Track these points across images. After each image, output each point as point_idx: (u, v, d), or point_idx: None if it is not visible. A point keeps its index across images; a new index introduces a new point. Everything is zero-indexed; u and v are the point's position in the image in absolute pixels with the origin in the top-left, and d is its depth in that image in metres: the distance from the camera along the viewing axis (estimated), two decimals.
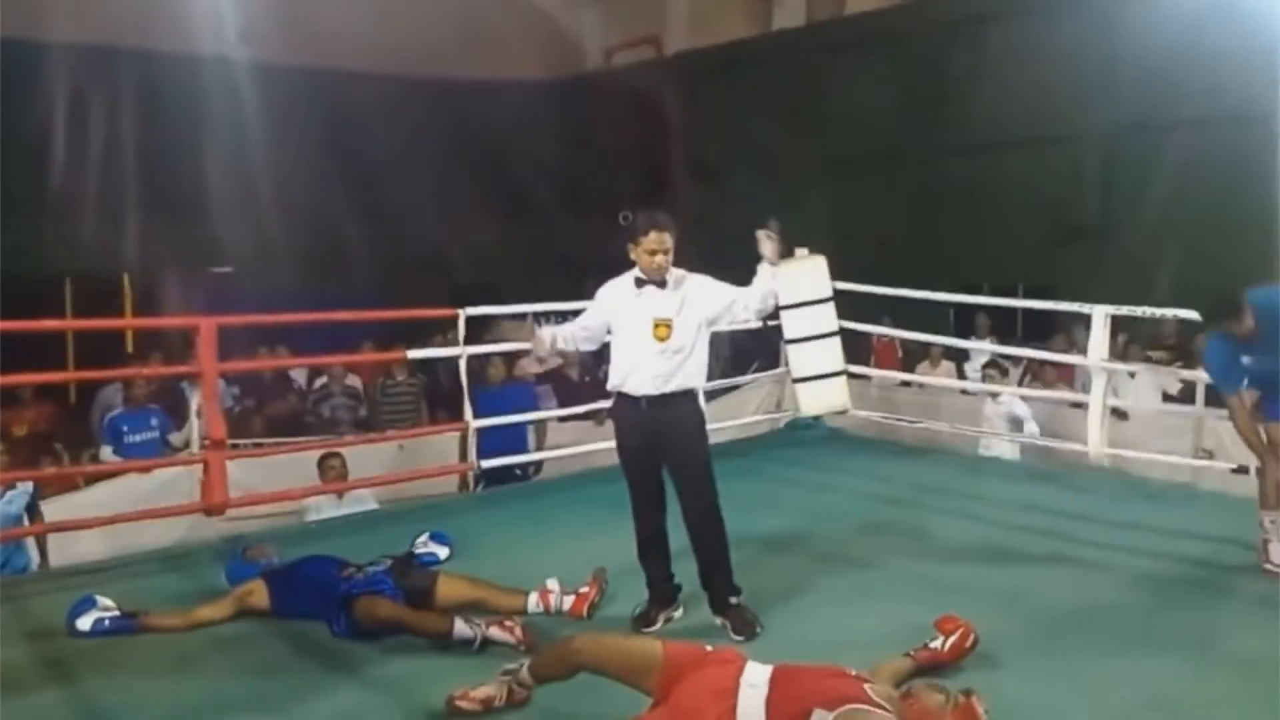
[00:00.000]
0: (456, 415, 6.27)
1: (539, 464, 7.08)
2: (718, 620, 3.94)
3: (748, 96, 13.79)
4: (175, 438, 7.53)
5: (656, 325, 3.87)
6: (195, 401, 6.95)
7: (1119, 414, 6.70)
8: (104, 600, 4.04)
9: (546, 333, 4.20)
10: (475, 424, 6.12)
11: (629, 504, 4.02)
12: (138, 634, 3.93)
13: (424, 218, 13.34)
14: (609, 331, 4.09)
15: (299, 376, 9.62)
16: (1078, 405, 7.36)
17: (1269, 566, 4.36)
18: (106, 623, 3.96)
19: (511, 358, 8.03)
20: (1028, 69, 11.21)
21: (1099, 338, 5.85)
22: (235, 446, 6.39)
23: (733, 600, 3.94)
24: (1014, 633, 3.74)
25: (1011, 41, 11.47)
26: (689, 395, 3.95)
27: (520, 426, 6.91)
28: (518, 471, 6.87)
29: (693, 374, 3.93)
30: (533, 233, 14.38)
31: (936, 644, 3.45)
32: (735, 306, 3.96)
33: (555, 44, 15.73)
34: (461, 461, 6.66)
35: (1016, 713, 3.02)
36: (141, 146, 11.66)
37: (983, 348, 8.23)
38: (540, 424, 7.33)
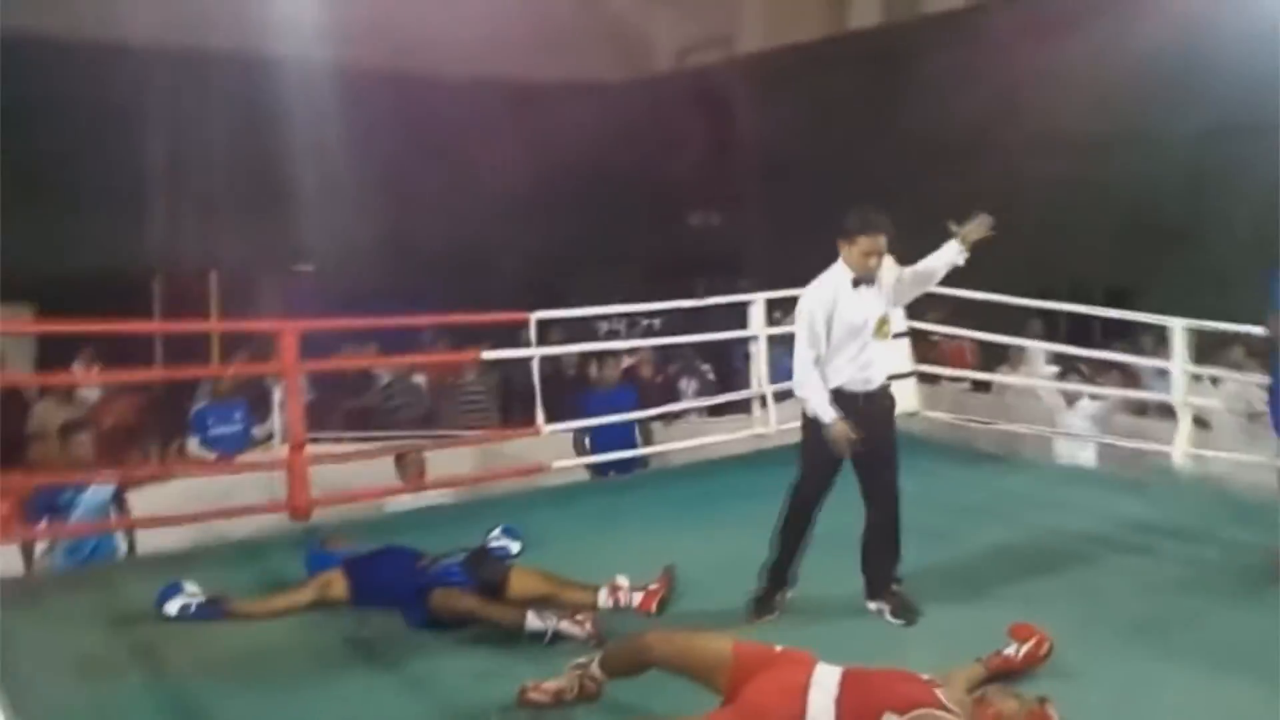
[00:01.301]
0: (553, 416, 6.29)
1: (645, 459, 7.14)
2: (873, 606, 4.01)
3: (823, 97, 13.68)
4: (259, 430, 7.74)
5: (881, 323, 4.02)
6: (278, 395, 7.13)
7: (1200, 423, 6.53)
8: (190, 586, 4.19)
9: (829, 415, 3.97)
10: (548, 429, 6.18)
11: (791, 492, 4.08)
12: (221, 619, 4.07)
13: (493, 217, 13.52)
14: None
15: (383, 373, 9.80)
16: (1142, 413, 7.24)
17: None
18: (192, 608, 4.10)
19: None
20: (1112, 68, 10.95)
21: (1179, 349, 5.81)
22: (315, 440, 6.53)
23: (895, 587, 4.02)
24: (1090, 643, 3.67)
25: (1095, 40, 11.20)
26: (890, 387, 4.14)
27: (629, 425, 7.01)
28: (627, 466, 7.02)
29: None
30: (600, 234, 14.46)
31: (1010, 650, 3.42)
32: None
33: (628, 45, 15.78)
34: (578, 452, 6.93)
35: None
36: (229, 147, 12.00)
37: (1053, 349, 8.02)
38: (645, 423, 7.29)
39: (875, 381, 4.03)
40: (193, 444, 7.47)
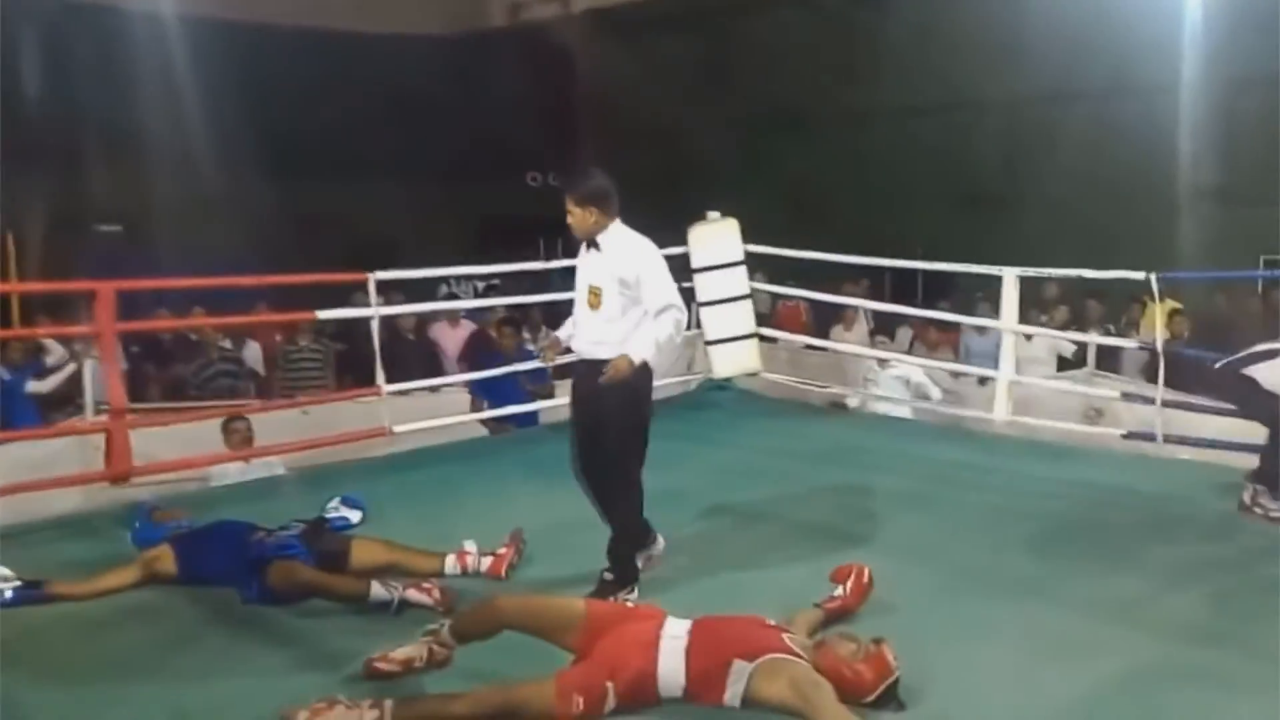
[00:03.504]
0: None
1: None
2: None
3: (658, 57, 13.74)
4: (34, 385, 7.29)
5: (590, 291, 3.86)
6: (89, 362, 6.71)
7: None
8: (2, 570, 3.88)
9: (563, 334, 4.07)
10: (389, 389, 6.03)
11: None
12: (41, 604, 3.80)
13: (323, 174, 13.02)
14: None
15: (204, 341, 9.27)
16: (961, 374, 7.65)
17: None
18: (8, 594, 3.79)
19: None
20: (936, 35, 11.40)
21: (1010, 300, 6.07)
22: (132, 410, 6.16)
23: (605, 575, 3.85)
24: (922, 582, 3.88)
25: (921, 7, 11.63)
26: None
27: (516, 384, 7.01)
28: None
29: (623, 340, 3.80)
30: (434, 192, 14.16)
31: (839, 591, 3.57)
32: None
33: None
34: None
35: (925, 659, 3.14)
36: (25, 97, 11.07)
37: (880, 308, 8.36)
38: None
39: (583, 351, 3.90)
40: None
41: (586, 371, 3.88)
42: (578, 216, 3.86)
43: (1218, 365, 4.84)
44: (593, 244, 3.88)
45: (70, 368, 7.56)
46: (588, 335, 3.89)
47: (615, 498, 3.90)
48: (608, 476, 3.89)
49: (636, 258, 3.85)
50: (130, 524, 4.35)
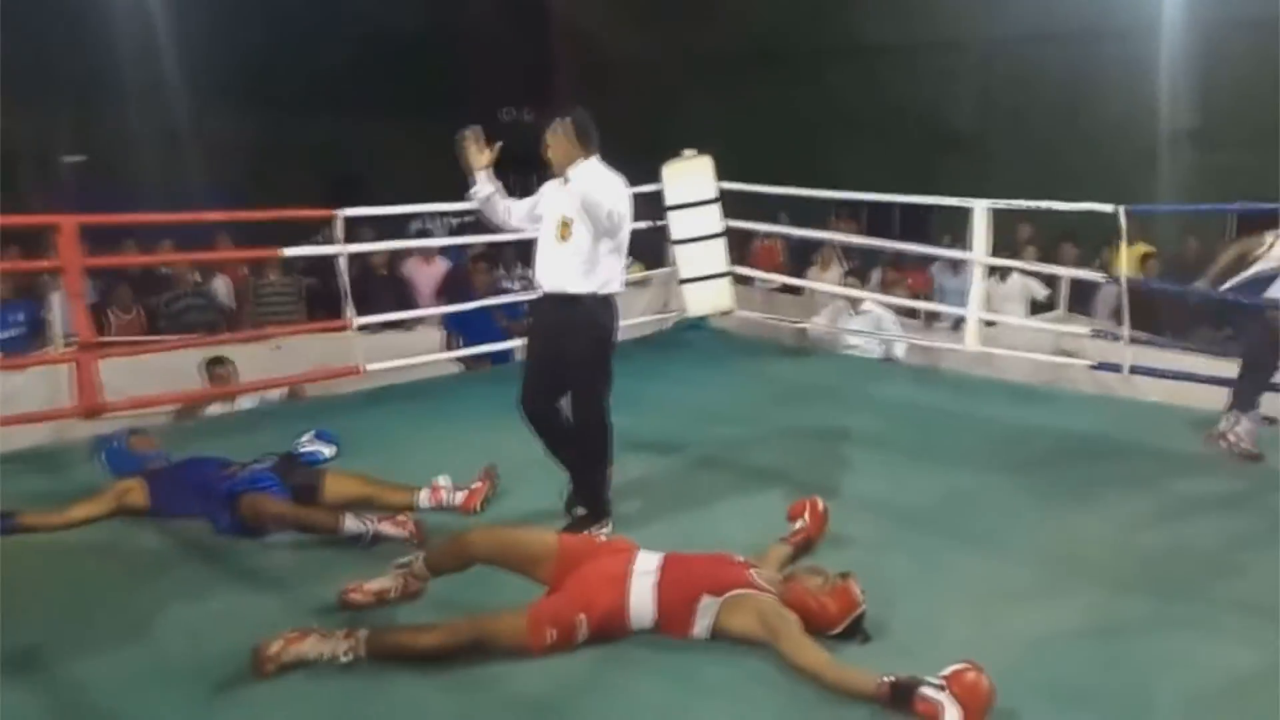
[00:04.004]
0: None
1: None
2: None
3: None
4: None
5: (561, 223, 3.82)
6: (55, 297, 6.60)
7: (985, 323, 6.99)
8: None
9: (485, 187, 4.07)
10: (358, 321, 6.00)
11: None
12: (12, 534, 3.79)
13: (294, 107, 12.77)
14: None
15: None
16: (933, 316, 7.67)
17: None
18: None
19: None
20: None
21: (981, 232, 6.06)
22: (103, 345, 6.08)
23: (579, 511, 3.89)
24: (884, 524, 3.92)
25: None
26: (587, 299, 3.82)
27: (491, 321, 7.03)
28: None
29: (591, 276, 3.80)
30: (407, 126, 13.94)
31: (798, 525, 3.63)
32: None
33: None
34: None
35: (887, 597, 3.19)
36: None
37: (852, 241, 8.36)
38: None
39: (549, 284, 3.86)
40: None
41: (551, 305, 3.88)
42: (555, 150, 3.83)
43: (1227, 291, 4.79)
44: (566, 178, 3.85)
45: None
46: (555, 267, 3.85)
47: (590, 433, 3.88)
48: (589, 415, 3.87)
49: (604, 191, 3.79)
50: (104, 448, 4.32)
